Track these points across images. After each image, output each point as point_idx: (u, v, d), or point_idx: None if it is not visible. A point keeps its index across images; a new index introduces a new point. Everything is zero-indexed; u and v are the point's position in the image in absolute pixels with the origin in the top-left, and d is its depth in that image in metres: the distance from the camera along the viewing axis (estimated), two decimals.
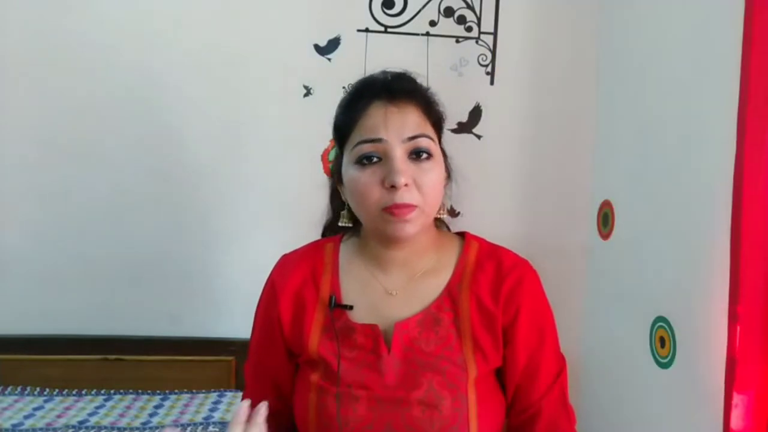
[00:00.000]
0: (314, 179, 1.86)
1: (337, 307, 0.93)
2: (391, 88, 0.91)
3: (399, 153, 0.87)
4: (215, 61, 1.85)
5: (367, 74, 0.97)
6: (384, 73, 0.95)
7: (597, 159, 1.96)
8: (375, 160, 0.88)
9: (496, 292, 0.93)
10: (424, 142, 0.89)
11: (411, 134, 0.88)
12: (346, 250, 1.00)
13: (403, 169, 0.86)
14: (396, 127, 0.88)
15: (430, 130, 0.91)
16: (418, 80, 0.97)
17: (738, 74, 1.19)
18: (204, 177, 1.87)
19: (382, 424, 0.87)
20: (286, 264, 1.01)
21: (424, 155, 0.88)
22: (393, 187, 0.85)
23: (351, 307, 0.93)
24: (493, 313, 0.92)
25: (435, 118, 0.94)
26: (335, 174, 0.99)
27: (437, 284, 0.95)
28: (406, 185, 0.85)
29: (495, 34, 1.94)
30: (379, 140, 0.87)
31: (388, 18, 1.90)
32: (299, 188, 1.87)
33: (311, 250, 1.02)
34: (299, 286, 0.97)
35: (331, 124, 2.01)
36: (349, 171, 0.91)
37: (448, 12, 1.92)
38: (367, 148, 0.88)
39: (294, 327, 0.96)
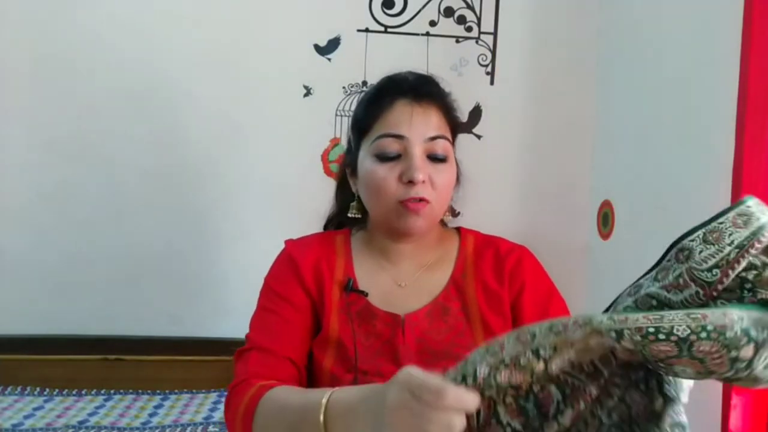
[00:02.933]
0: (314, 179, 1.87)
1: (354, 292, 0.94)
2: (418, 89, 0.95)
3: (419, 151, 0.90)
4: (215, 61, 1.85)
5: (371, 74, 0.99)
6: (410, 73, 0.99)
7: (597, 159, 1.96)
8: (394, 155, 0.91)
9: (500, 273, 0.96)
10: (442, 145, 0.93)
11: (432, 135, 0.92)
12: (356, 241, 1.02)
13: (422, 167, 0.90)
14: (419, 126, 0.91)
15: (448, 134, 0.95)
16: (441, 85, 1.00)
17: (737, 74, 1.20)
18: (204, 177, 1.87)
19: None
20: (298, 243, 1.01)
21: (441, 157, 0.92)
22: (410, 182, 0.89)
23: (366, 294, 0.94)
24: (499, 293, 0.95)
25: (453, 124, 0.98)
26: (347, 166, 1.01)
27: (442, 276, 0.98)
28: (423, 182, 0.89)
29: (495, 34, 1.94)
30: (401, 137, 0.91)
31: (388, 18, 1.90)
32: (299, 188, 1.87)
33: (321, 238, 1.02)
34: (316, 261, 0.97)
35: (331, 124, 2.02)
36: (366, 163, 0.93)
37: (448, 12, 1.92)
38: (389, 142, 0.91)
39: (318, 297, 0.95)
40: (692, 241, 0.55)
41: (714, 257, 0.52)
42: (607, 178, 1.89)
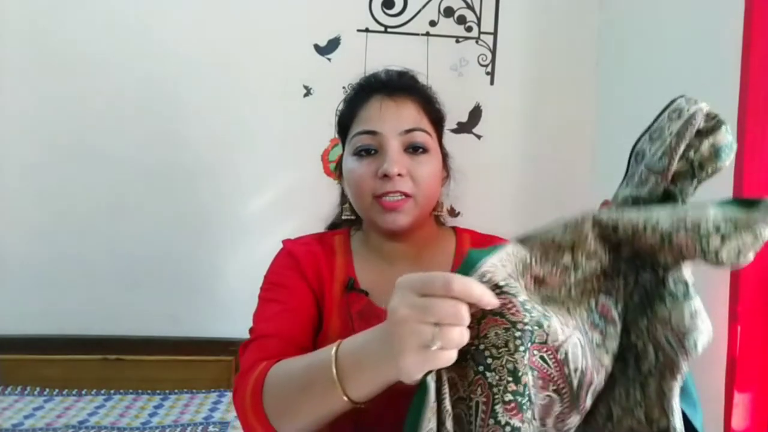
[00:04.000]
0: (314, 179, 1.87)
1: (354, 291, 0.93)
2: (390, 84, 0.93)
3: (394, 145, 0.89)
4: (216, 62, 1.85)
5: (370, 73, 0.99)
6: (386, 70, 0.97)
7: (597, 159, 1.96)
8: (372, 152, 0.90)
9: None
10: (419, 137, 0.90)
11: (407, 128, 0.90)
12: (355, 242, 1.01)
13: (397, 160, 0.87)
14: (392, 120, 0.89)
15: (427, 126, 0.93)
16: (420, 79, 0.98)
17: (738, 74, 1.19)
18: (204, 177, 1.87)
19: (400, 412, 0.86)
20: (297, 242, 1.00)
21: (420, 149, 0.90)
22: (386, 177, 0.87)
23: (367, 293, 0.93)
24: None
25: (433, 116, 0.96)
26: (337, 168, 1.00)
27: None
28: (399, 175, 0.87)
29: (495, 34, 1.94)
30: (374, 132, 0.89)
31: (388, 18, 1.90)
32: (299, 188, 1.87)
33: (319, 238, 1.01)
34: (316, 259, 0.96)
35: (331, 124, 2.01)
36: (347, 162, 0.92)
37: (448, 12, 1.92)
38: (363, 139, 0.90)
39: (319, 293, 0.94)
40: (642, 143, 0.66)
41: (661, 148, 0.62)
42: (607, 178, 1.89)
